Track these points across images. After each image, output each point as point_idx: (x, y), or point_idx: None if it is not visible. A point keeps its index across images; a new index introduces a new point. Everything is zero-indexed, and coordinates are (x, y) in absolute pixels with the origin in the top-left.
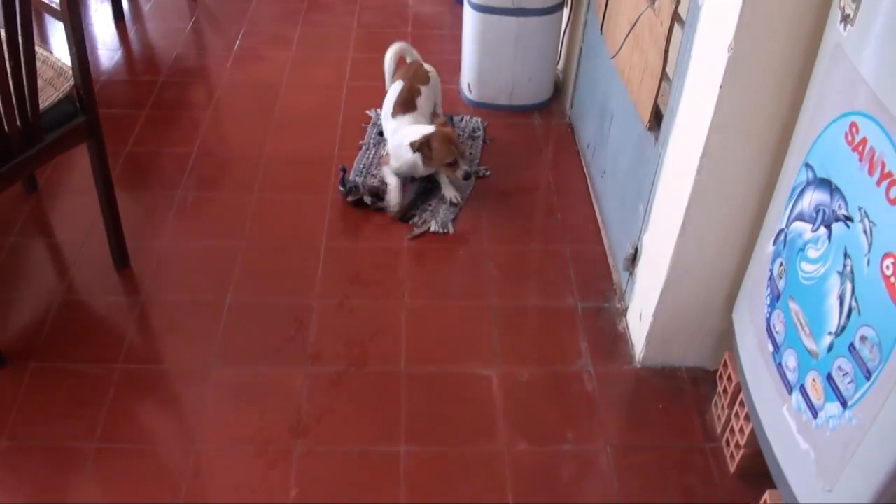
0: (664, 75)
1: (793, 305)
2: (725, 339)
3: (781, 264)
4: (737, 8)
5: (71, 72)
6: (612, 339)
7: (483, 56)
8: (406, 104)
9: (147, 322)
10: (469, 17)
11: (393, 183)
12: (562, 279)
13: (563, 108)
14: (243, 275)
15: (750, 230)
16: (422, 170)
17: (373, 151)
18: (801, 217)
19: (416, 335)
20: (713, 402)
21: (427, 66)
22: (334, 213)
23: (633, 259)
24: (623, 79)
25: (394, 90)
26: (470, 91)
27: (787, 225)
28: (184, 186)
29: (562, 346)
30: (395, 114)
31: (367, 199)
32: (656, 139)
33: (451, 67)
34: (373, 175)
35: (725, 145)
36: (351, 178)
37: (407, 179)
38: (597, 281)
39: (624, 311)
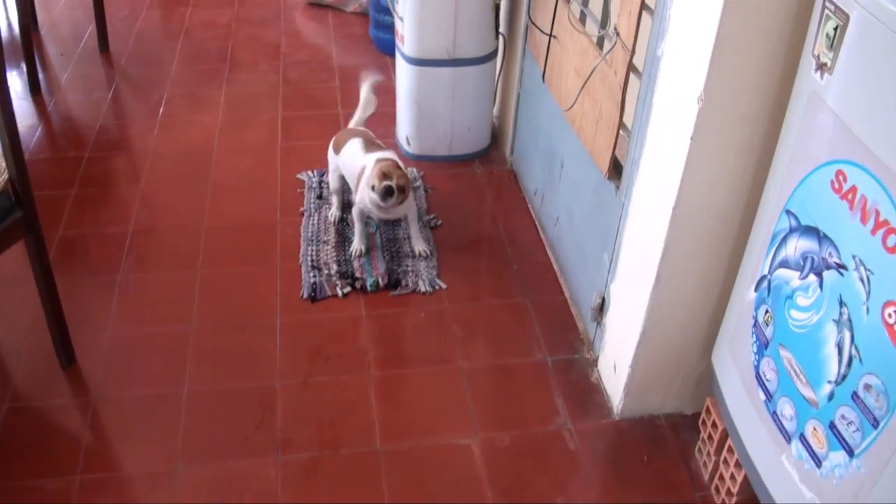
0: (622, 125)
1: (784, 353)
2: (703, 382)
3: (767, 311)
4: (706, 60)
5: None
6: (587, 392)
7: (421, 109)
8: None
9: (102, 424)
10: (403, 70)
11: (358, 228)
12: (527, 334)
13: (503, 154)
14: (198, 360)
15: (725, 275)
16: (374, 209)
17: (315, 217)
18: (785, 264)
19: (387, 409)
20: (696, 449)
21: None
22: (285, 284)
23: (601, 309)
24: (574, 127)
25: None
26: (409, 144)
27: (770, 272)
28: (123, 269)
29: (538, 405)
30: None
31: (341, 292)
32: (617, 188)
33: (386, 120)
34: (324, 242)
35: (697, 195)
36: (314, 279)
37: (370, 223)
38: (563, 332)
39: (594, 362)
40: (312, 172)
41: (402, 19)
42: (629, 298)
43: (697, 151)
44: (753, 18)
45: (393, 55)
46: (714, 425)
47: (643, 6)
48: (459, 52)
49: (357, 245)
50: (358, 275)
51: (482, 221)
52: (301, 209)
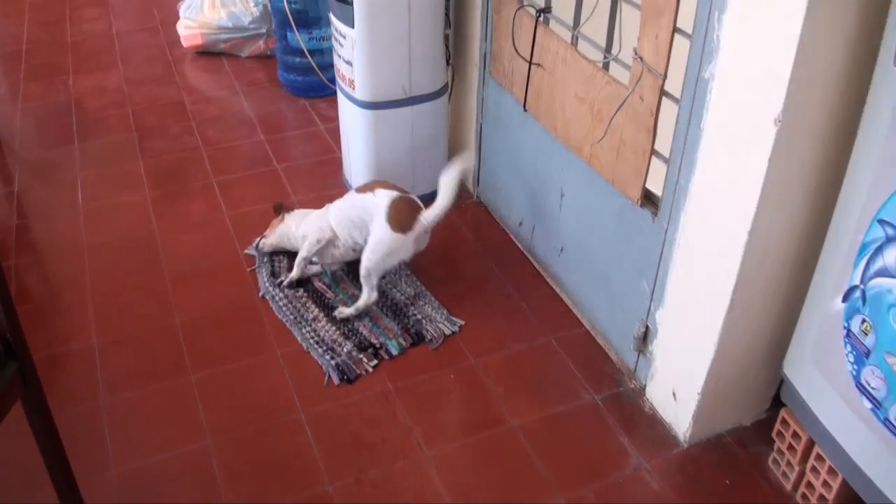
0: (653, 151)
1: (893, 360)
2: (762, 393)
3: (864, 321)
4: (783, 81)
5: None
6: (647, 425)
7: (379, 153)
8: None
9: None
10: (356, 116)
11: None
12: (565, 374)
13: (465, 188)
14: (230, 481)
15: (792, 286)
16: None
17: (281, 297)
18: (885, 273)
19: (458, 490)
20: (771, 460)
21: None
22: (293, 371)
23: (645, 337)
24: (582, 156)
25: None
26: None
27: (864, 282)
28: (103, 391)
29: (606, 450)
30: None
31: (370, 367)
32: (654, 215)
33: (329, 168)
34: (314, 319)
35: (773, 217)
36: (335, 361)
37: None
38: (598, 366)
39: (641, 391)
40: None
41: (349, 63)
42: (690, 325)
43: (775, 173)
44: (832, 36)
45: (308, 96)
46: (795, 436)
47: (675, 29)
48: (416, 89)
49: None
50: (375, 342)
51: (471, 260)
52: (260, 293)
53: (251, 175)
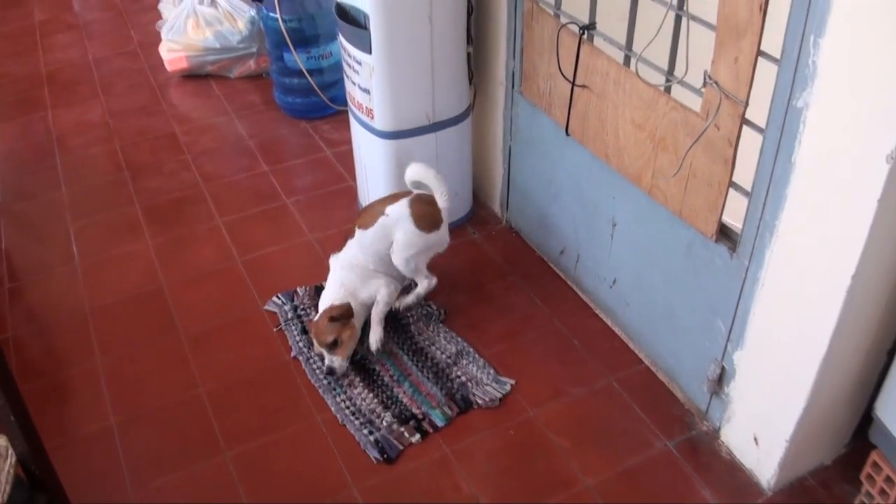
0: (731, 184)
1: None
2: (844, 430)
3: None
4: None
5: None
6: (728, 473)
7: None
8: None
9: None
10: (377, 147)
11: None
12: (633, 421)
13: (493, 213)
14: None
15: (887, 323)
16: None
17: (316, 359)
18: None
19: None
20: (856, 502)
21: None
22: (339, 441)
23: (720, 379)
24: (641, 186)
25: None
26: None
27: None
28: (130, 483)
29: None
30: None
31: (413, 440)
32: (732, 251)
33: (343, 199)
34: (350, 385)
35: (878, 261)
36: (373, 437)
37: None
38: (665, 408)
39: (715, 434)
40: (281, 298)
41: (366, 91)
42: (776, 369)
43: (885, 214)
44: None
45: (309, 118)
46: (888, 480)
47: (759, 53)
48: (440, 114)
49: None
50: (417, 412)
51: (511, 294)
52: (292, 354)
53: (260, 213)
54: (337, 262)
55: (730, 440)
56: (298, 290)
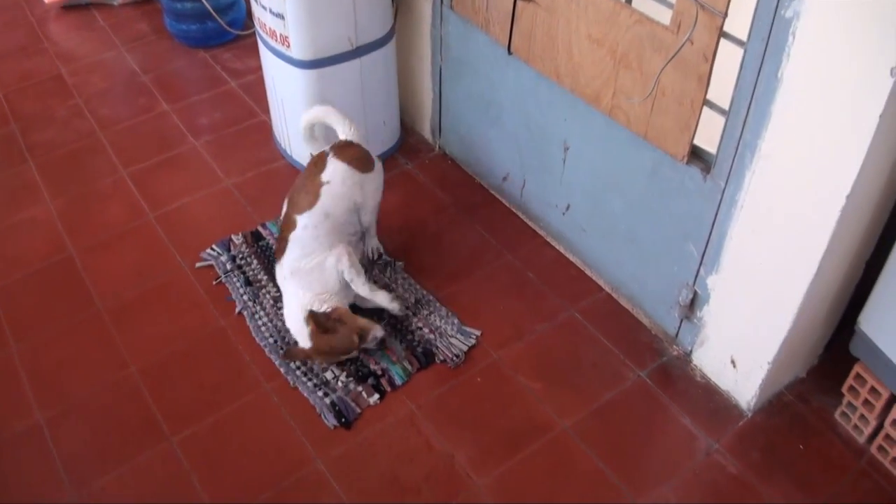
0: (705, 102)
1: None
2: (819, 343)
3: None
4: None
5: None
6: (704, 398)
7: None
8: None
9: None
10: (295, 79)
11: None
12: (601, 353)
13: (424, 139)
14: None
15: (861, 241)
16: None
17: (259, 310)
18: None
19: None
20: (838, 413)
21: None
22: (294, 410)
23: (692, 304)
24: (600, 107)
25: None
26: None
27: None
28: (69, 486)
29: (670, 436)
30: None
31: (372, 402)
32: (705, 174)
33: (256, 136)
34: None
35: (873, 180)
36: (328, 400)
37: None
38: (632, 335)
39: (685, 358)
40: (216, 249)
41: (280, 17)
42: (757, 293)
43: (885, 132)
44: None
45: (207, 46)
46: (873, 391)
47: None
48: (363, 37)
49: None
50: (375, 369)
51: (456, 229)
52: (237, 309)
53: (167, 160)
54: (283, 273)
55: (703, 364)
56: (233, 237)
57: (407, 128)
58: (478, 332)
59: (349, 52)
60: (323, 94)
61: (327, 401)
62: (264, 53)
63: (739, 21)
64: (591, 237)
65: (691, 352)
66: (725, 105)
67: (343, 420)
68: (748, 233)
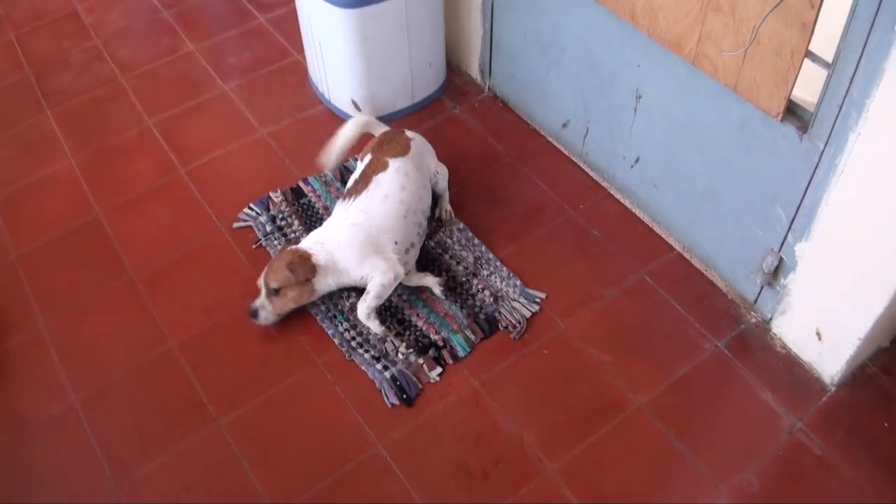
0: (808, 54)
1: None
2: None
3: None
4: None
5: None
6: (786, 371)
7: (370, 60)
8: (356, 183)
9: None
10: (336, 20)
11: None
12: (675, 321)
13: (472, 79)
14: None
15: None
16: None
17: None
18: None
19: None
20: None
21: (409, 133)
22: (350, 386)
23: (776, 270)
24: (680, 52)
25: (358, 170)
26: (358, 109)
27: None
28: (112, 476)
29: (751, 415)
30: (344, 196)
31: (434, 376)
32: (802, 132)
33: (291, 79)
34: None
35: None
36: (388, 375)
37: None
38: (707, 300)
39: (764, 325)
40: (255, 208)
41: None
42: (853, 264)
43: None
44: None
45: None
46: None
47: None
48: None
49: (378, 330)
50: (436, 339)
51: (509, 179)
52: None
53: (195, 106)
54: (347, 211)
55: (784, 333)
56: (272, 195)
57: (452, 67)
58: (542, 295)
59: None
60: (365, 35)
61: (387, 374)
62: None
63: None
64: (664, 193)
65: (771, 319)
66: (829, 57)
67: (405, 397)
68: (847, 200)
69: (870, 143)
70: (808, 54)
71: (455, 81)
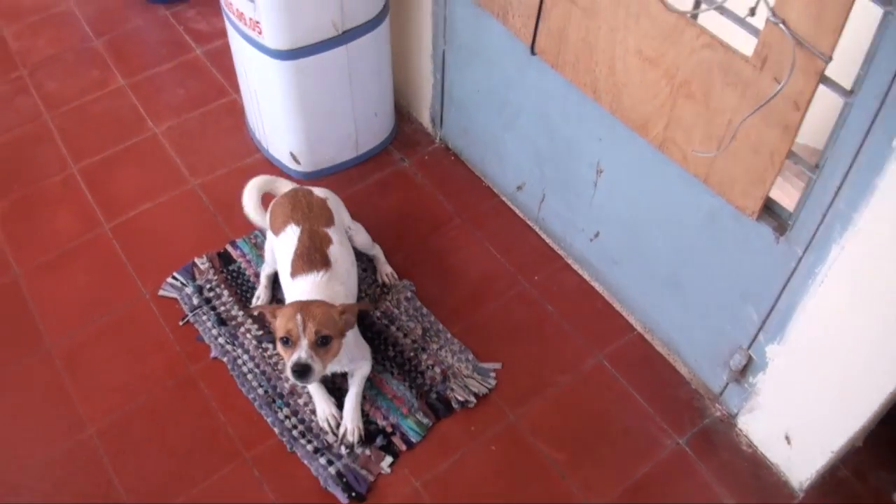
0: (790, 156)
1: None
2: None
3: None
4: None
5: None
6: (752, 473)
7: (308, 113)
8: (310, 258)
9: None
10: (270, 71)
11: (314, 390)
12: (634, 413)
13: (422, 127)
14: None
15: None
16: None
17: (241, 354)
18: None
19: None
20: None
21: (319, 192)
22: (277, 481)
23: (744, 369)
24: (646, 136)
25: (285, 242)
26: (297, 162)
27: None
28: None
29: None
30: (294, 273)
31: (386, 467)
32: (778, 234)
33: (227, 122)
34: (294, 394)
35: None
36: (334, 469)
37: (327, 382)
38: (669, 389)
39: (730, 420)
40: (179, 278)
41: (251, 1)
42: (830, 376)
43: None
44: None
45: (166, 2)
46: None
47: None
48: (350, 20)
49: (324, 409)
50: (383, 423)
51: (460, 245)
52: (212, 355)
53: (124, 151)
54: (324, 283)
55: (751, 431)
56: (198, 262)
57: (402, 113)
58: (497, 366)
59: (334, 38)
60: (303, 87)
61: (332, 470)
62: (233, 37)
63: (842, 66)
64: (626, 271)
65: (737, 415)
66: (814, 159)
67: (353, 494)
68: (827, 311)
69: (855, 260)
70: (791, 155)
71: (404, 129)
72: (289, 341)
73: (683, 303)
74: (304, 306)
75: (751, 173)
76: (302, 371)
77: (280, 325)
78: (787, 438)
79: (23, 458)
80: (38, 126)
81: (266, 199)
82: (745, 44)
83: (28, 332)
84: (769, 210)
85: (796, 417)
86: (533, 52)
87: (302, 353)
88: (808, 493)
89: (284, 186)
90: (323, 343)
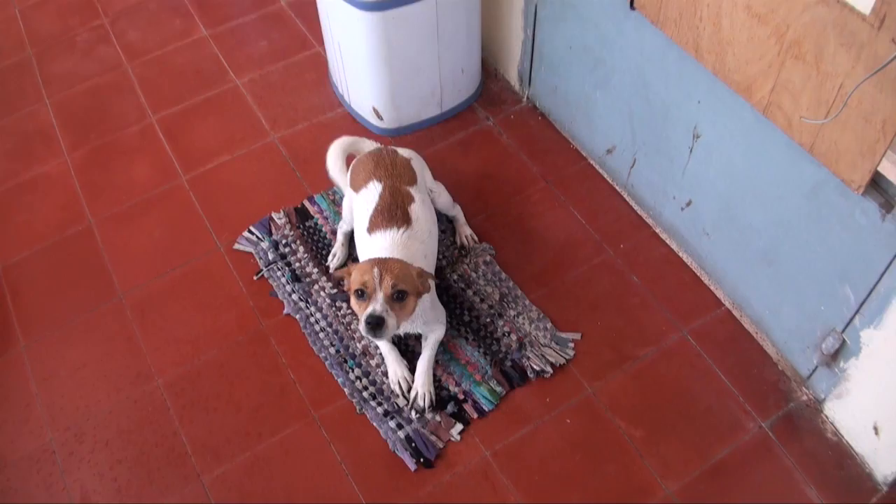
0: None
1: None
2: None
3: None
4: None
5: None
6: (836, 462)
7: (394, 67)
8: (390, 214)
9: None
10: (357, 24)
11: (387, 351)
12: (717, 392)
13: (509, 86)
14: None
15: None
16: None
17: (314, 312)
18: None
19: None
20: None
21: (403, 152)
22: (346, 444)
23: (836, 352)
24: (749, 98)
25: (366, 198)
26: (380, 118)
27: None
28: None
29: None
30: (372, 229)
31: (456, 434)
32: (886, 212)
33: (310, 75)
34: (366, 355)
35: None
36: (404, 433)
37: (400, 344)
38: (755, 369)
39: (816, 406)
40: (255, 232)
41: None
42: None
43: None
44: None
45: None
46: None
47: None
48: None
49: (396, 371)
50: (456, 390)
51: (544, 208)
52: (284, 311)
53: (204, 101)
54: (404, 241)
55: (837, 418)
56: (275, 216)
57: (489, 70)
58: (577, 336)
59: None
60: (388, 40)
61: (402, 434)
62: None
63: None
64: (717, 244)
65: (824, 400)
66: None
67: (422, 459)
68: None
69: None
70: None
71: (491, 87)
72: (364, 294)
73: (777, 280)
74: (381, 261)
75: (860, 144)
76: (375, 324)
77: (355, 278)
78: (876, 429)
79: (88, 406)
80: (118, 75)
81: (349, 160)
82: (863, 0)
83: (100, 281)
84: (876, 185)
85: (887, 407)
86: (632, 7)
87: (377, 305)
88: (892, 488)
89: (368, 147)
90: (399, 298)
